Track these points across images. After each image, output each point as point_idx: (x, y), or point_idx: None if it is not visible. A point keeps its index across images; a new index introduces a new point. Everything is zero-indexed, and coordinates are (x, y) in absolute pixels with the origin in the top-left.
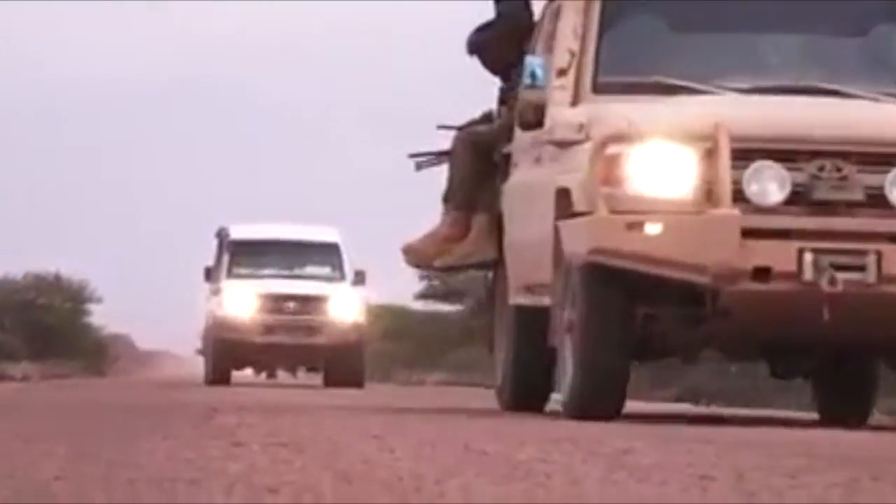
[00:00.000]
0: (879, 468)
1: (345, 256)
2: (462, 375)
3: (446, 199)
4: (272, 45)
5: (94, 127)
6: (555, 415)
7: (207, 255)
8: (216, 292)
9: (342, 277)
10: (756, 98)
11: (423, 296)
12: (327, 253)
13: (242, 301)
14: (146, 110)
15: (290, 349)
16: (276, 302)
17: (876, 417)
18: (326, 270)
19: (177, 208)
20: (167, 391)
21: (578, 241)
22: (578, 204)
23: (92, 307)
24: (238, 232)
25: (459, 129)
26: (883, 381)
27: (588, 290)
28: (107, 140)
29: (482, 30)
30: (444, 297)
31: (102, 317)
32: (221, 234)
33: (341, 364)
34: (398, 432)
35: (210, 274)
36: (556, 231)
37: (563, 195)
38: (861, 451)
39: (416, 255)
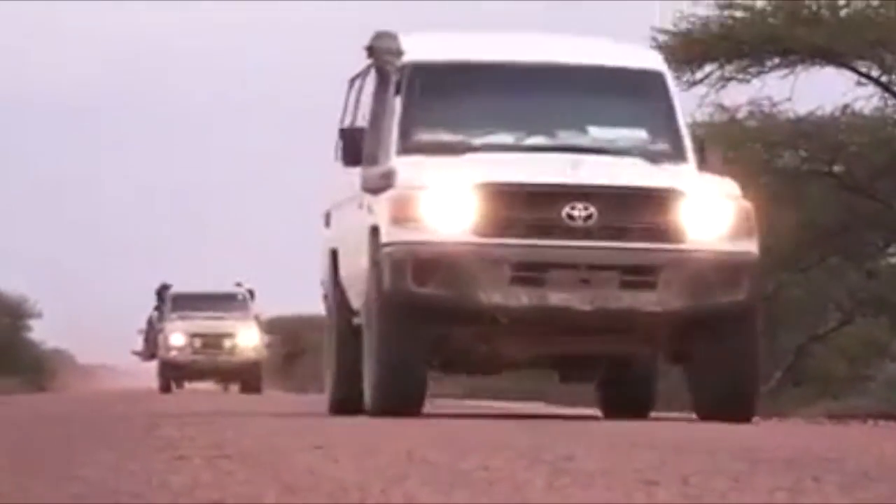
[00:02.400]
0: (821, 470)
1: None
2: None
3: None
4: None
5: (33, 136)
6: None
7: (147, 268)
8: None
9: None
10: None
11: None
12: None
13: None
14: (88, 118)
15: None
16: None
17: (813, 418)
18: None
19: (117, 220)
20: (109, 404)
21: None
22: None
23: (31, 322)
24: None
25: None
26: (821, 383)
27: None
28: (45, 150)
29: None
30: None
31: (42, 332)
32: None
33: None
34: (340, 441)
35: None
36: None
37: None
38: (802, 453)
39: None
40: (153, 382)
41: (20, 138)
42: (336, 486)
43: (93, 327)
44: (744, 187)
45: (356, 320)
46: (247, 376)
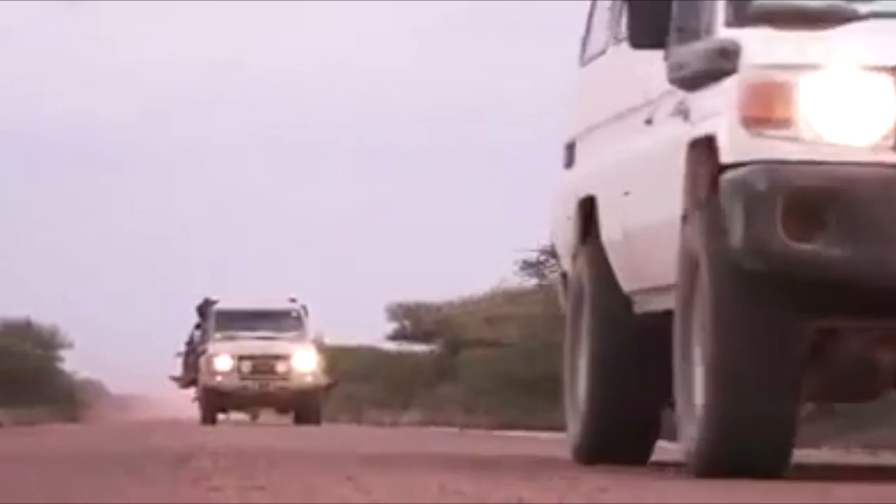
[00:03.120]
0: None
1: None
2: (435, 415)
3: None
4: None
5: (66, 168)
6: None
7: (180, 296)
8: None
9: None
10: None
11: (393, 336)
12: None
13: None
14: (118, 149)
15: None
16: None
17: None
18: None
19: (149, 251)
20: (142, 436)
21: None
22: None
23: (63, 353)
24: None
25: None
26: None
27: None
28: (78, 182)
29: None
30: (415, 337)
31: (74, 362)
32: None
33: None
34: (372, 473)
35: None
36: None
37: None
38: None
39: None
40: (190, 412)
41: (47, 166)
42: None
43: (125, 357)
44: None
45: (640, 307)
46: (303, 405)
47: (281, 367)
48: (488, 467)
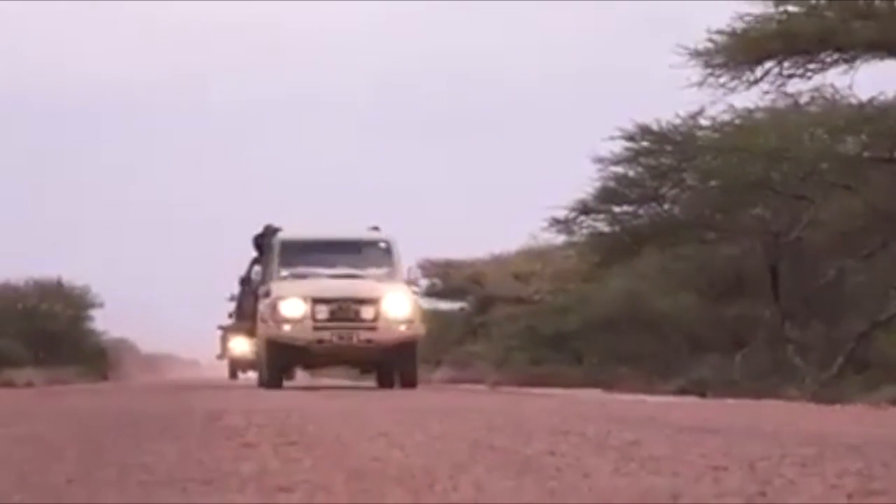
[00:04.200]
0: (889, 455)
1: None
2: (466, 372)
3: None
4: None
5: (93, 129)
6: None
7: (208, 260)
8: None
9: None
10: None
11: (423, 293)
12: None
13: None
14: (147, 112)
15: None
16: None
17: (876, 404)
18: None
19: (178, 213)
20: (173, 394)
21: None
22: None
23: (94, 312)
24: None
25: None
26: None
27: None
28: (106, 144)
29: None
30: (445, 294)
31: (104, 322)
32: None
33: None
34: (405, 430)
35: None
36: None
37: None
38: (869, 439)
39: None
40: (220, 372)
41: (79, 130)
42: (403, 472)
43: (156, 317)
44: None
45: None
46: (394, 363)
47: (367, 313)
48: (520, 423)
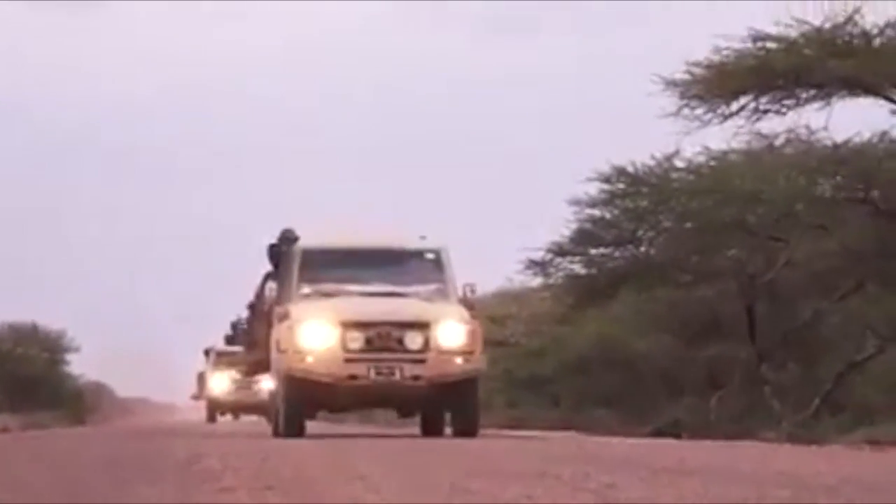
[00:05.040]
0: (865, 496)
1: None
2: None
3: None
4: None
5: (71, 170)
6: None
7: (183, 302)
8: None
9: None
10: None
11: None
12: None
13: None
14: (121, 163)
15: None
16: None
17: (852, 445)
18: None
19: (155, 256)
20: (150, 438)
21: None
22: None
23: (70, 356)
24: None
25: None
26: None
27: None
28: (84, 186)
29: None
30: None
31: (80, 365)
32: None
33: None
34: (382, 472)
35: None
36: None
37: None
38: (844, 480)
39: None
40: (197, 415)
41: (61, 171)
42: None
43: (132, 361)
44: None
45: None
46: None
47: (414, 341)
48: (497, 466)
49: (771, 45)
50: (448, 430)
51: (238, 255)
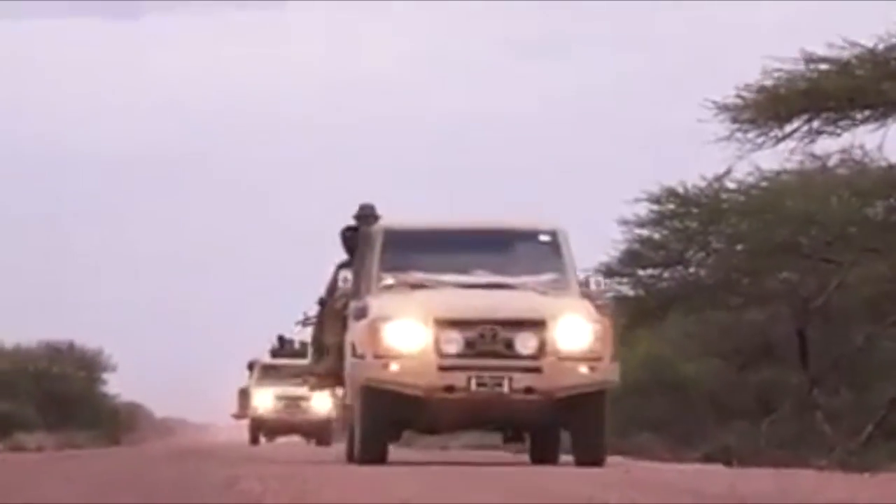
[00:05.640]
0: None
1: None
2: (485, 438)
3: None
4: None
5: (105, 192)
6: None
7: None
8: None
9: None
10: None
11: None
12: None
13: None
14: (155, 178)
15: None
16: None
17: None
18: None
19: (191, 273)
20: (187, 459)
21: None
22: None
23: (106, 375)
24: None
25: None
26: None
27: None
28: (119, 205)
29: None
30: None
31: (117, 385)
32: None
33: None
34: (427, 496)
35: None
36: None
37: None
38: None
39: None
40: (237, 436)
41: (96, 187)
42: None
43: (170, 379)
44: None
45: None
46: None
47: (527, 344)
48: (544, 491)
49: (823, 66)
50: (562, 457)
51: (280, 266)
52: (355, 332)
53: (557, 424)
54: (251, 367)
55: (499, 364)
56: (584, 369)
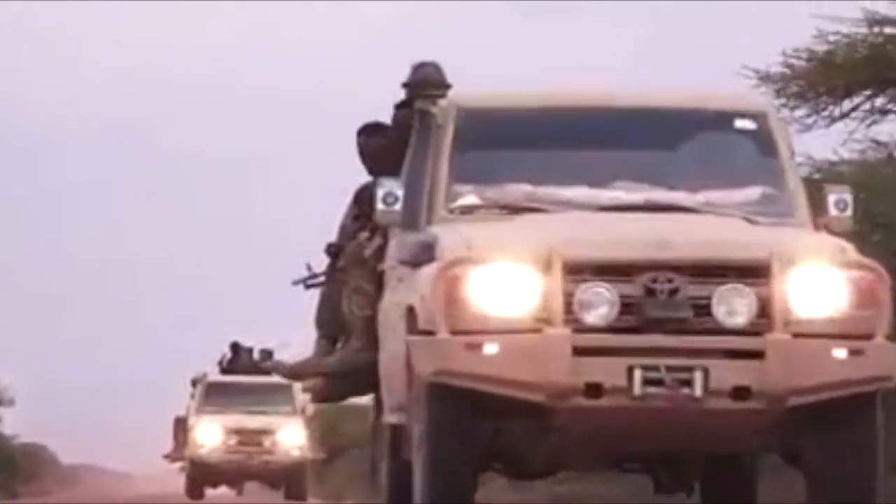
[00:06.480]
0: None
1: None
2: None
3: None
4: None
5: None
6: None
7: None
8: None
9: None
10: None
11: None
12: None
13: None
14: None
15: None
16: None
17: None
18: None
19: (102, 302)
20: None
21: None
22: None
23: (1, 411)
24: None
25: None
26: None
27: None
28: (22, 215)
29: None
30: None
31: (14, 423)
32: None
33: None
34: None
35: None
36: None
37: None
38: None
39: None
40: (172, 485)
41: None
42: None
43: (79, 418)
44: None
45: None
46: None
47: (734, 306)
48: None
49: (890, 30)
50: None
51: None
52: (411, 290)
53: (786, 457)
54: (195, 384)
55: (684, 344)
56: (840, 353)
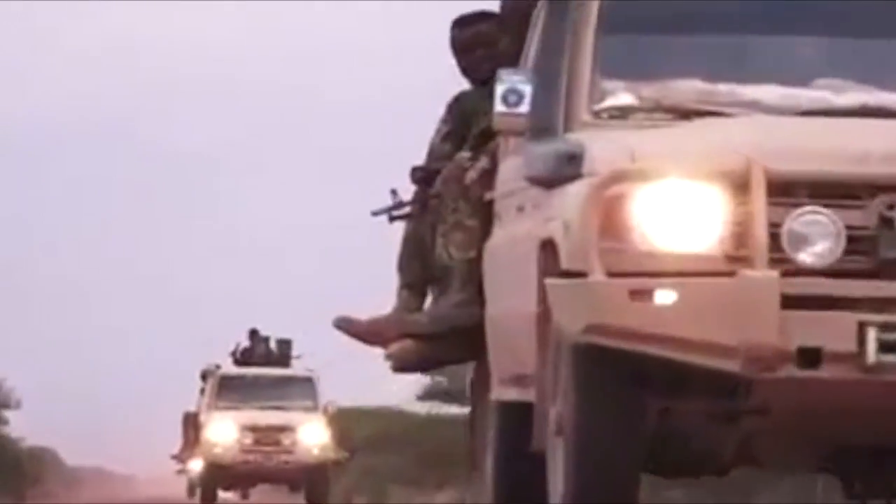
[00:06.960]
0: None
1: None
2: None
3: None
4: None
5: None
6: None
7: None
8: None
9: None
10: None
11: (424, 396)
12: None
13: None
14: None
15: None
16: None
17: None
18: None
19: (110, 302)
20: None
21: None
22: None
23: (8, 414)
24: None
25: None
26: None
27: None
28: (26, 212)
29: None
30: (452, 396)
31: (21, 426)
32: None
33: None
34: None
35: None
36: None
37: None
38: None
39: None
40: (168, 488)
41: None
42: None
43: (85, 419)
44: None
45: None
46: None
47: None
48: None
49: None
50: None
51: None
52: (546, 218)
53: None
54: (205, 377)
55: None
56: None
